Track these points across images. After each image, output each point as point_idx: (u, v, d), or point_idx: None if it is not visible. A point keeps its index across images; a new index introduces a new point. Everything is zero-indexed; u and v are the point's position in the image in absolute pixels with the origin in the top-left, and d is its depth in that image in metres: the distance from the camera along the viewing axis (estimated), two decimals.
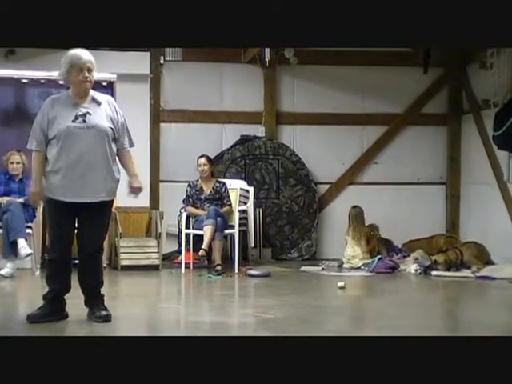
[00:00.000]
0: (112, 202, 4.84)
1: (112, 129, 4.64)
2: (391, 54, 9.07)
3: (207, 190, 8.17)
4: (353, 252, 8.35)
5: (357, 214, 8.54)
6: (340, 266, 8.36)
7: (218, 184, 8.22)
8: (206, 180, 8.20)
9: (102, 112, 4.65)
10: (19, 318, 5.22)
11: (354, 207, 8.60)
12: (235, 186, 8.49)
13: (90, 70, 4.60)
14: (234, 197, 8.23)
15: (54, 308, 4.68)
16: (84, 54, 4.60)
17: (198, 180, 8.23)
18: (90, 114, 4.59)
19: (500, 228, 8.55)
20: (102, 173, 4.63)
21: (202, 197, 8.12)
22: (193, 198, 8.14)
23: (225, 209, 8.01)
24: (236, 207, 8.16)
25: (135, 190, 4.80)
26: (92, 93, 4.70)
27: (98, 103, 4.67)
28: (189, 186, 8.22)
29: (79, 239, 4.78)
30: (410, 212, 9.31)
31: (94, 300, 4.74)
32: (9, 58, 8.60)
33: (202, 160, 8.19)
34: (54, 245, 4.75)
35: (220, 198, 8.12)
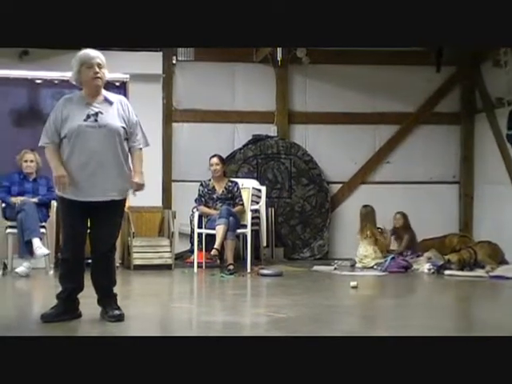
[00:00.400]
0: (124, 201, 4.84)
1: (124, 128, 4.65)
2: (403, 52, 9.02)
3: (219, 189, 8.18)
4: (365, 251, 8.34)
5: (367, 213, 8.52)
6: (353, 266, 8.35)
7: (230, 183, 8.22)
8: (219, 179, 8.21)
9: (114, 111, 4.66)
10: (33, 317, 5.26)
11: (365, 206, 8.58)
12: (247, 186, 8.49)
13: (100, 66, 4.61)
14: (246, 196, 8.23)
15: (67, 307, 4.70)
16: (92, 51, 4.63)
17: (210, 179, 8.24)
18: (101, 114, 4.61)
19: None
20: (114, 172, 4.64)
21: (215, 196, 8.13)
22: (205, 197, 8.16)
23: (237, 208, 8.02)
24: (248, 207, 8.17)
25: (135, 186, 4.74)
26: (104, 93, 4.72)
27: (110, 103, 4.68)
28: (201, 185, 8.23)
29: (92, 239, 4.79)
30: (423, 211, 9.27)
31: (107, 299, 4.76)
32: (23, 59, 8.65)
33: (214, 159, 8.21)
34: (66, 244, 4.77)
35: (232, 197, 8.13)
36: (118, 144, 4.64)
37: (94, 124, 4.57)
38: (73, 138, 4.55)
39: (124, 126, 4.65)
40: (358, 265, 8.33)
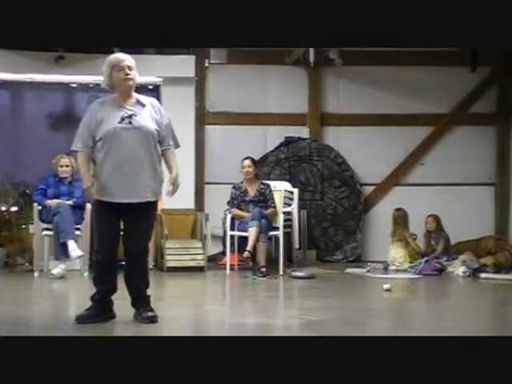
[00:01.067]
0: (157, 202, 4.87)
1: (157, 130, 4.68)
2: (438, 53, 8.95)
3: (252, 191, 8.19)
4: (395, 253, 8.28)
5: (398, 217, 8.46)
6: (386, 268, 8.30)
7: (262, 186, 8.23)
8: (251, 182, 8.22)
9: (147, 113, 4.69)
10: (68, 318, 5.33)
11: (398, 210, 8.52)
12: (279, 188, 8.49)
13: (130, 68, 4.65)
14: (278, 198, 8.22)
15: (101, 309, 4.75)
16: (121, 55, 4.70)
17: (242, 182, 8.26)
18: (135, 116, 4.63)
19: None
20: (148, 174, 4.67)
21: (247, 199, 8.15)
22: (237, 199, 8.17)
23: (269, 211, 8.02)
24: (280, 209, 8.16)
25: (173, 188, 4.74)
26: (136, 95, 4.76)
27: (143, 105, 4.71)
28: (233, 188, 8.25)
29: (125, 240, 4.83)
30: (458, 213, 9.18)
31: (141, 301, 4.79)
32: (58, 64, 8.76)
33: (247, 162, 8.22)
34: (100, 246, 4.81)
35: (264, 199, 8.14)
36: (152, 146, 4.67)
37: (129, 126, 4.60)
38: (108, 140, 4.59)
39: (157, 128, 4.68)
40: (391, 267, 8.28)
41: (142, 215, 4.75)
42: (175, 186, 4.73)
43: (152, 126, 4.66)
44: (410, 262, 8.17)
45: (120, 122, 4.61)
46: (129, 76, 4.65)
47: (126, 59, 4.67)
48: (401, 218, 8.43)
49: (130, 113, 4.64)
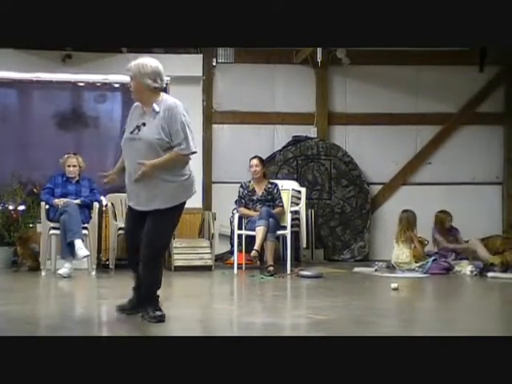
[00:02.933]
0: (171, 209, 4.74)
1: (160, 139, 4.59)
2: (445, 52, 8.94)
3: (259, 191, 8.18)
4: (402, 254, 8.22)
5: (403, 218, 8.39)
6: (390, 268, 8.24)
7: (270, 185, 8.22)
8: (259, 181, 8.21)
9: (157, 123, 4.61)
10: (76, 317, 5.34)
11: (405, 211, 8.42)
12: (287, 187, 8.48)
13: (130, 79, 4.70)
14: (286, 198, 8.22)
15: (140, 300, 4.87)
16: (130, 63, 4.73)
17: (250, 181, 8.25)
18: (144, 126, 4.63)
19: None
20: (153, 182, 4.62)
21: (255, 198, 8.14)
22: (245, 198, 8.17)
23: (277, 210, 8.01)
24: (288, 208, 8.16)
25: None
26: (156, 101, 4.67)
27: (156, 113, 4.63)
28: (241, 187, 8.25)
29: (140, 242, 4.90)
30: (465, 212, 9.14)
31: (149, 300, 4.80)
32: (66, 63, 8.77)
33: (254, 161, 8.21)
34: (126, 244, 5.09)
35: (272, 198, 8.13)
36: (157, 155, 4.60)
37: (135, 136, 4.64)
38: (123, 148, 4.75)
39: (160, 137, 4.59)
40: (396, 267, 8.23)
41: (153, 221, 4.71)
42: (142, 174, 4.58)
43: (155, 136, 4.58)
44: (415, 263, 8.12)
45: (132, 132, 4.67)
46: (130, 87, 4.77)
47: (127, 70, 4.75)
48: (409, 219, 8.35)
49: (143, 121, 4.65)
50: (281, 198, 8.16)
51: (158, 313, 4.72)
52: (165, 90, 4.87)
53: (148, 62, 4.68)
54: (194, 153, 4.74)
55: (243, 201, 8.17)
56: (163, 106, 4.65)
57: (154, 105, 4.66)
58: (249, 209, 8.11)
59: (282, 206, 8.12)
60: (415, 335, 4.56)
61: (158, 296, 4.85)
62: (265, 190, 8.18)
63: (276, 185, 8.28)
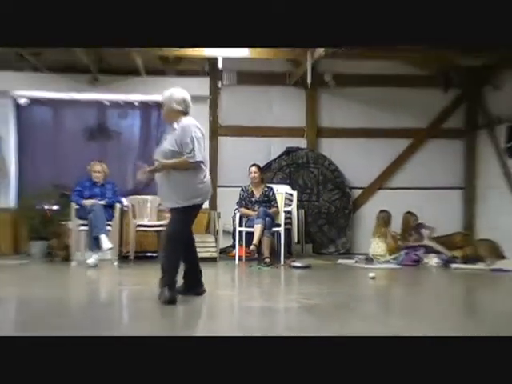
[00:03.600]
0: (183, 208, 4.83)
1: (172, 150, 4.78)
2: (416, 76, 9.03)
3: (257, 193, 8.17)
4: (378, 248, 8.21)
5: (380, 217, 8.37)
6: (368, 260, 8.22)
7: (266, 189, 8.21)
8: (257, 185, 8.20)
9: (173, 137, 4.82)
10: (101, 300, 5.32)
11: (382, 211, 8.43)
12: (281, 191, 8.47)
13: (163, 104, 4.97)
14: (280, 200, 8.21)
15: (187, 285, 5.06)
16: (164, 92, 5.00)
17: (249, 185, 8.24)
18: (165, 140, 4.90)
19: (511, 227, 8.36)
20: (166, 186, 4.83)
21: (253, 199, 8.13)
22: (245, 200, 8.16)
23: (272, 210, 8.00)
24: (282, 208, 8.14)
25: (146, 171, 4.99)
26: (177, 121, 4.85)
27: (174, 130, 4.86)
28: (242, 190, 8.24)
29: None
30: (433, 213, 9.13)
31: (161, 279, 4.80)
32: (93, 84, 8.77)
33: (253, 168, 8.20)
34: None
35: (268, 200, 8.11)
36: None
37: (159, 147, 4.94)
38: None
39: (173, 148, 4.77)
40: (374, 259, 8.21)
41: (172, 215, 4.96)
42: (154, 167, 4.87)
43: (169, 147, 4.81)
44: (389, 255, 8.10)
45: (159, 144, 5.04)
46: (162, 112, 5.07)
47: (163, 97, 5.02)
48: (383, 219, 8.34)
49: (166, 136, 4.95)
50: (276, 200, 8.14)
51: (167, 293, 4.69)
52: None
53: (176, 91, 4.95)
54: (200, 162, 4.79)
55: (243, 202, 8.15)
56: (180, 125, 4.82)
57: (175, 124, 4.88)
58: (248, 209, 8.09)
59: (277, 207, 8.11)
60: (388, 317, 4.55)
61: (176, 281, 4.83)
62: (262, 193, 8.17)
63: (272, 188, 8.26)
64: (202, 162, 4.80)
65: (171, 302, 4.63)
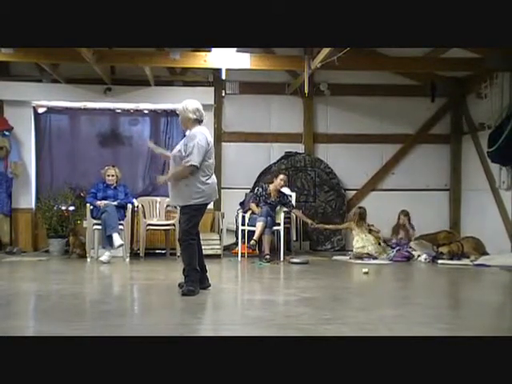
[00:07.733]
0: (189, 206, 5.03)
1: (179, 155, 4.97)
2: (406, 86, 9.02)
3: (273, 196, 8.20)
4: (356, 242, 8.19)
5: (356, 213, 8.40)
6: (359, 257, 8.11)
7: (280, 194, 8.24)
8: (276, 190, 8.21)
9: (182, 143, 5.04)
10: (114, 294, 5.35)
11: (359, 208, 8.52)
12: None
13: (179, 113, 5.16)
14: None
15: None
16: (181, 103, 5.18)
17: (269, 186, 8.25)
18: (177, 144, 5.17)
19: (493, 225, 8.38)
20: (176, 186, 4.99)
21: (268, 201, 8.13)
22: (260, 197, 8.17)
23: (294, 211, 8.23)
24: (281, 209, 8.15)
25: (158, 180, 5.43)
26: (190, 129, 5.04)
27: (185, 136, 5.11)
28: (261, 187, 8.25)
29: None
30: (421, 213, 9.14)
31: (186, 275, 5.02)
32: (107, 94, 8.80)
33: (284, 177, 8.23)
34: None
35: (284, 204, 8.17)
36: (177, 165, 5.02)
37: (171, 153, 5.17)
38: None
39: (180, 153, 4.98)
40: (355, 252, 8.05)
41: (181, 213, 5.13)
42: (162, 179, 5.27)
43: (175, 151, 5.06)
44: (371, 246, 8.05)
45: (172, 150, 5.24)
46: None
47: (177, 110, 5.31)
48: (362, 214, 8.37)
49: (179, 142, 5.16)
50: (291, 201, 8.26)
51: (184, 287, 4.89)
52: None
53: (190, 102, 5.13)
54: (194, 166, 4.92)
55: (258, 198, 8.17)
56: (189, 133, 4.91)
57: (187, 131, 5.09)
58: (257, 206, 8.11)
59: (294, 207, 8.28)
60: (381, 309, 4.57)
61: (186, 273, 5.00)
62: (277, 196, 8.19)
63: (284, 194, 8.29)
64: (196, 166, 4.88)
65: (191, 294, 4.75)
